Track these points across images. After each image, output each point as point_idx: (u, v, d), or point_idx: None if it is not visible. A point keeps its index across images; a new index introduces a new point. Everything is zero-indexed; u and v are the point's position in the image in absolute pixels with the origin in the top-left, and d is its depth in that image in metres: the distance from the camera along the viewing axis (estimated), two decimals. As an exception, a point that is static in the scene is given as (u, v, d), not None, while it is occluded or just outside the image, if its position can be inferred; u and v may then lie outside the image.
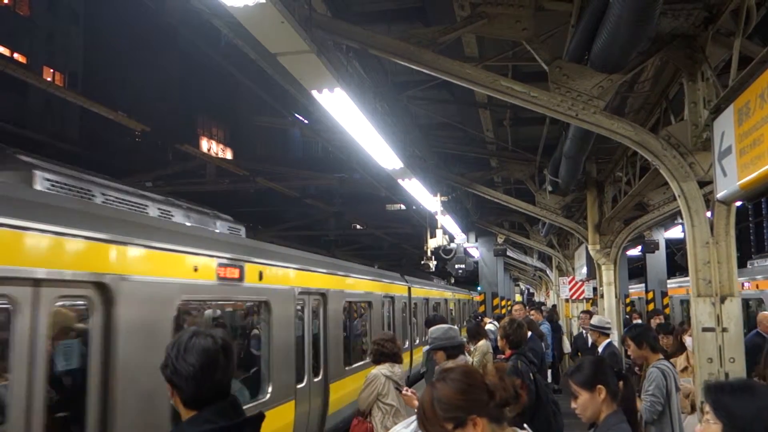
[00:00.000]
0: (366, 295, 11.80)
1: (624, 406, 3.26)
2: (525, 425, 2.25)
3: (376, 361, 5.82)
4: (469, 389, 2.07)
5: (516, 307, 12.40)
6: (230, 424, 2.21)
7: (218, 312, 7.15)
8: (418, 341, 16.50)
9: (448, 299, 23.83)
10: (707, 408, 2.17)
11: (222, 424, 2.19)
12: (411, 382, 14.48)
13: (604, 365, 3.27)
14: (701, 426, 2.21)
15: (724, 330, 5.03)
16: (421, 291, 17.91)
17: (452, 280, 30.91)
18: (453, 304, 25.72)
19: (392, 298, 13.99)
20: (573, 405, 3.21)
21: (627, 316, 14.81)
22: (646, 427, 5.04)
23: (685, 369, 7.05)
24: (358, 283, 11.27)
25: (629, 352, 5.71)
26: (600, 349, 7.91)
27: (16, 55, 35.46)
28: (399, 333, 14.02)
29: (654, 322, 11.01)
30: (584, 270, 14.28)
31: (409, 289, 16.05)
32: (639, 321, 10.81)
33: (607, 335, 8.09)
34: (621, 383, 3.30)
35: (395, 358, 5.82)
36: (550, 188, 11.33)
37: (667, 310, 18.80)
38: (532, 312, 13.06)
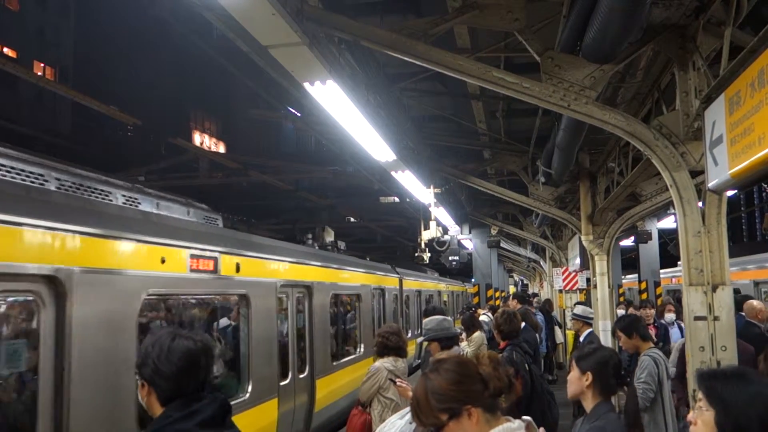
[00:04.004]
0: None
1: (627, 407, 3.29)
2: (523, 416, 2.25)
3: (380, 354, 5.73)
4: (463, 380, 2.07)
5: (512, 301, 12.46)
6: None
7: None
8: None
9: (454, 291, 29.57)
10: (700, 395, 2.19)
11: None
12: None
13: (608, 362, 3.28)
14: (694, 413, 2.22)
15: (715, 318, 5.05)
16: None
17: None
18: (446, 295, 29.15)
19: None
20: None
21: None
22: (638, 414, 5.08)
23: None
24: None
25: (620, 343, 5.74)
26: (581, 338, 7.92)
27: (6, 50, 35.21)
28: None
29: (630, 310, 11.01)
30: (578, 261, 14.31)
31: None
32: (652, 311, 10.70)
33: (590, 325, 8.11)
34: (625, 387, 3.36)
35: (399, 351, 5.71)
36: (543, 179, 11.32)
37: (659, 300, 18.86)
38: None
